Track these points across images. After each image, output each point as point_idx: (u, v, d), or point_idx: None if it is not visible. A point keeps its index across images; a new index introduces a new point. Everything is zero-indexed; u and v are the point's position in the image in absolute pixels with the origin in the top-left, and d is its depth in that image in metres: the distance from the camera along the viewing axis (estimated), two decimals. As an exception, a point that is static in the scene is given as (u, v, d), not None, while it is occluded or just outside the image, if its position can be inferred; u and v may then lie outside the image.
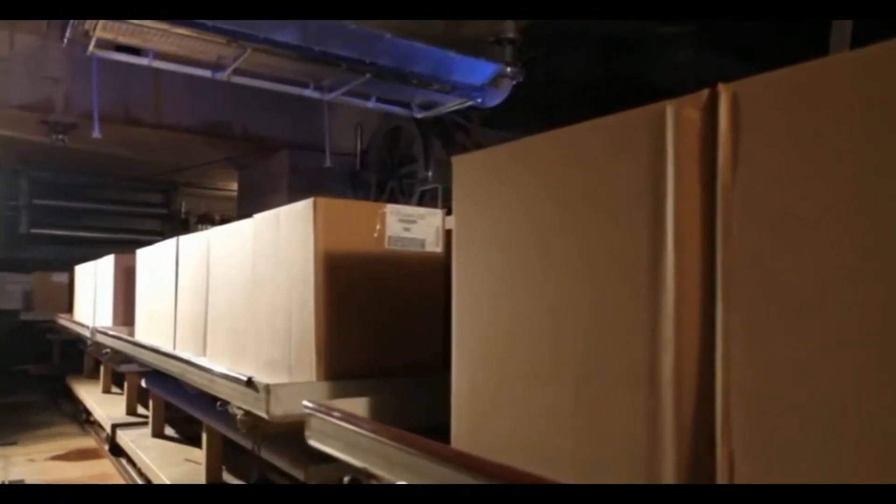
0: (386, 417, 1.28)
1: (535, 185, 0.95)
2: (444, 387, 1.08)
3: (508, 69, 3.98)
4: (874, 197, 0.60)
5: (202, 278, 2.37)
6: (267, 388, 1.52)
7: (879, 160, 0.60)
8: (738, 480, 0.70)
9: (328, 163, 5.13)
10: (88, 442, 4.41)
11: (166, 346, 2.68)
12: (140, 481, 3.23)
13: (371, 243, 1.68)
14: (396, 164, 5.53)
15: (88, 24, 3.31)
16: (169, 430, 3.50)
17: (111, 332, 3.65)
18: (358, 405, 1.35)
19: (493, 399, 0.99)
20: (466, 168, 1.09)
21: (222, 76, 3.91)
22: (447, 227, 1.76)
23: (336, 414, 1.23)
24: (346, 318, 1.63)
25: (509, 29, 3.93)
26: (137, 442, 3.38)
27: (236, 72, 3.87)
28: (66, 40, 3.57)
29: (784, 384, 0.66)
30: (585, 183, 0.87)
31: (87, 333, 4.40)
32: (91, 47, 3.54)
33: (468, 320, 1.05)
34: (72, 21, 3.37)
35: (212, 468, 2.57)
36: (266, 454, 1.93)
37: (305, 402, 1.33)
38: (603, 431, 0.83)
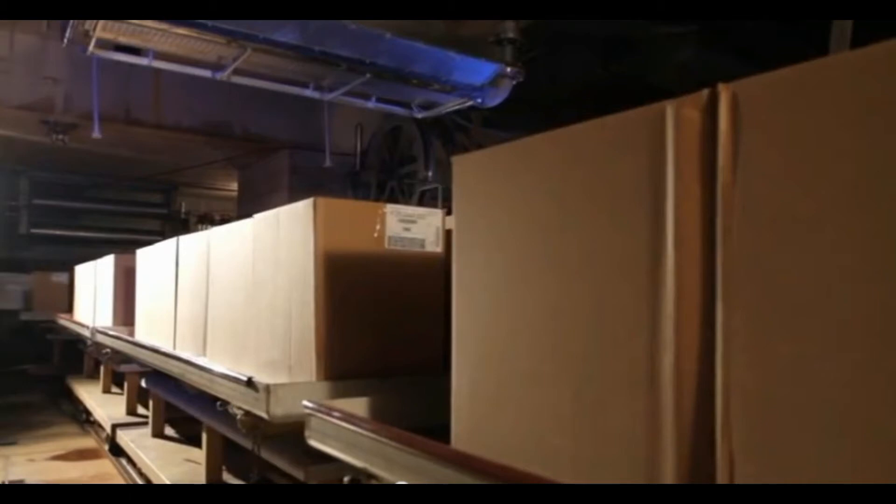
0: (386, 417, 1.28)
1: (536, 185, 0.95)
2: (444, 387, 1.08)
3: (508, 69, 3.98)
4: (874, 197, 0.60)
5: (202, 278, 2.37)
6: (267, 388, 1.52)
7: (879, 160, 0.60)
8: (738, 480, 0.70)
9: (328, 163, 5.12)
10: (88, 442, 4.40)
11: (166, 346, 2.68)
12: (140, 481, 3.23)
13: (371, 243, 1.68)
14: (396, 164, 5.52)
15: (88, 24, 3.30)
16: (169, 430, 3.50)
17: (111, 332, 3.65)
18: (358, 405, 1.35)
19: (493, 399, 0.99)
20: (466, 168, 1.09)
21: (222, 76, 3.90)
22: (447, 227, 1.76)
23: (336, 414, 1.23)
24: (346, 318, 1.63)
25: (509, 29, 3.93)
26: (137, 442, 3.38)
27: (236, 72, 3.87)
28: (66, 40, 3.56)
29: (784, 384, 0.66)
30: (585, 183, 0.87)
31: (87, 333, 4.40)
32: (91, 47, 3.54)
33: (468, 320, 1.05)
34: (72, 21, 3.36)
35: (212, 468, 2.57)
36: (266, 454, 1.93)
37: (305, 402, 1.33)
38: (603, 431, 0.83)
